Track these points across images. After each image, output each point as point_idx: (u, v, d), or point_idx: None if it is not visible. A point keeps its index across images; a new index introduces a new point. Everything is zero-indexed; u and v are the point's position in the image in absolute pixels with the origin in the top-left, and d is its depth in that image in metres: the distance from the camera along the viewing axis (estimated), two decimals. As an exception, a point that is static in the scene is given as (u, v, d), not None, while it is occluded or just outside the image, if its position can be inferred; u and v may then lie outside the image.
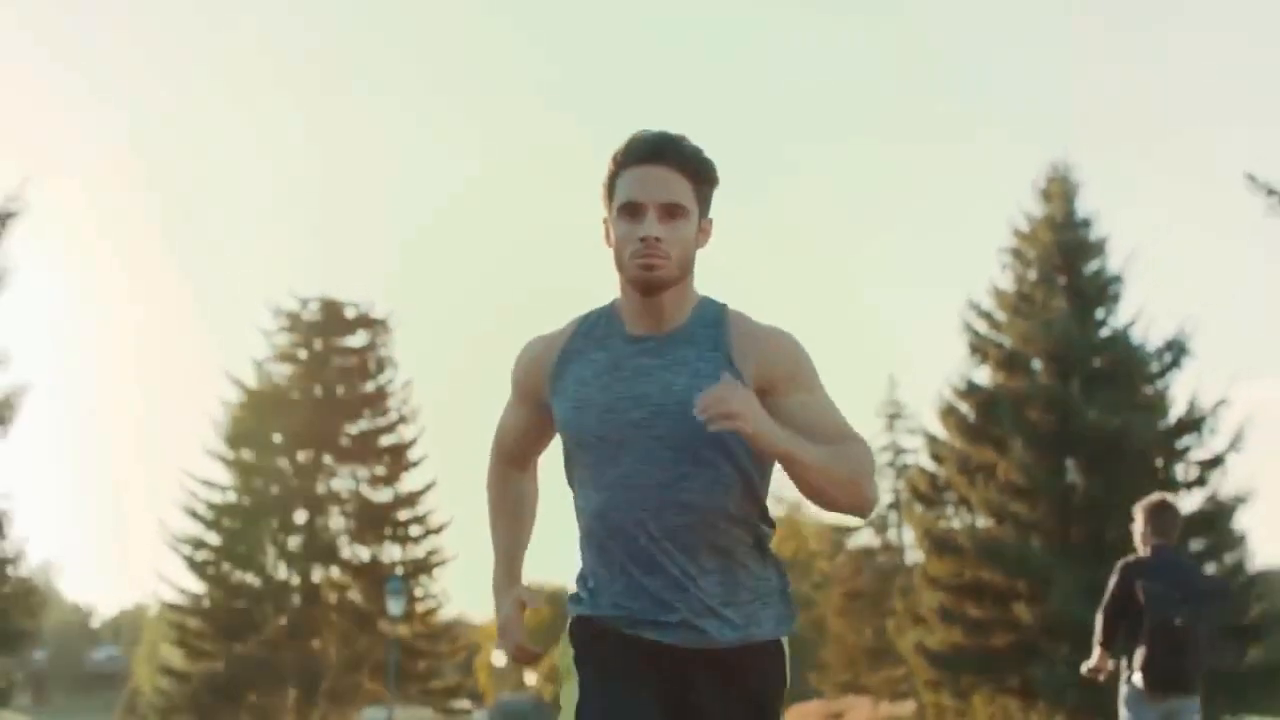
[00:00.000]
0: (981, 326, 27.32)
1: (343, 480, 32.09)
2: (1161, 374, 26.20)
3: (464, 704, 36.35)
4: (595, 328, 2.59)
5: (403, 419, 32.63)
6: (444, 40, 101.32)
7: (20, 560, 24.87)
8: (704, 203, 2.52)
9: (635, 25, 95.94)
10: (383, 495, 32.28)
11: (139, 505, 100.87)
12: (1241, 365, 59.41)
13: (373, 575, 30.85)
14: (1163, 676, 6.14)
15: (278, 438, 31.77)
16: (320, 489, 31.80)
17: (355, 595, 31.49)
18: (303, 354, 32.64)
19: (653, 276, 2.46)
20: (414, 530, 31.94)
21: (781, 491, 30.70)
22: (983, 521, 26.88)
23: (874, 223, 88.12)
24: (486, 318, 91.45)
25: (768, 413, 2.44)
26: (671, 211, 2.46)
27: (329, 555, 31.57)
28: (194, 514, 31.09)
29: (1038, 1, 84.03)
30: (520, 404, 2.71)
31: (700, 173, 2.50)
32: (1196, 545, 24.48)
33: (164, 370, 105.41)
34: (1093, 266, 26.86)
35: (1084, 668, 6.46)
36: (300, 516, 31.59)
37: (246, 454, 31.74)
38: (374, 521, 31.75)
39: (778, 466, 2.50)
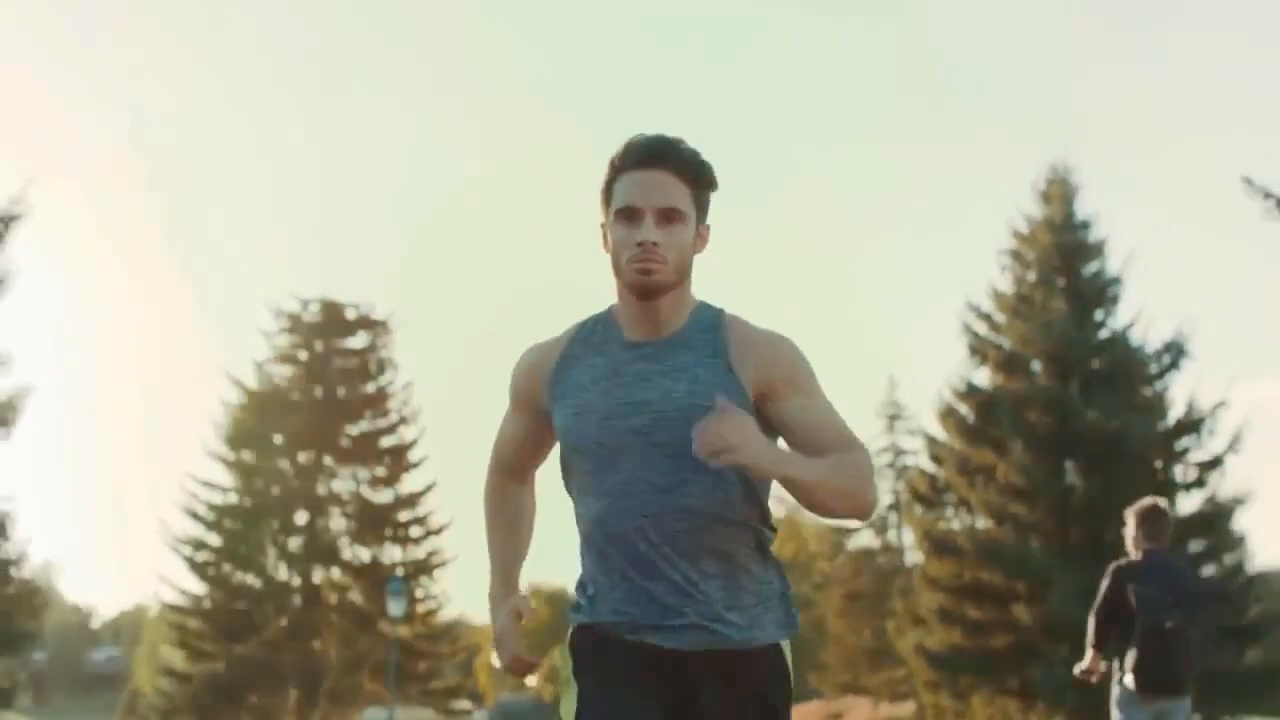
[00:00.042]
0: (981, 328, 27.34)
1: (343, 481, 32.14)
2: (1160, 375, 26.22)
3: (464, 705, 36.39)
4: (593, 334, 2.58)
5: (403, 420, 32.67)
6: (444, 40, 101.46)
7: (23, 562, 24.94)
8: (702, 207, 2.51)
9: (635, 25, 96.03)
10: (383, 496, 32.32)
11: (139, 506, 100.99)
12: (1241, 366, 59.33)
13: (373, 576, 30.89)
14: (1154, 678, 6.23)
15: (278, 439, 31.82)
16: (321, 490, 31.84)
17: (356, 596, 31.53)
18: (303, 355, 32.68)
19: (650, 281, 2.45)
20: (414, 531, 31.97)
21: (782, 493, 30.43)
22: (982, 523, 26.90)
23: (874, 223, 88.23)
24: (487, 318, 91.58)
25: (768, 416, 2.47)
26: (669, 216, 2.44)
27: (330, 556, 31.60)
28: (195, 515, 31.13)
29: (1038, 1, 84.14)
30: (518, 412, 2.69)
31: (698, 177, 2.49)
32: (1196, 546, 24.52)
33: (165, 371, 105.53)
34: (1092, 268, 26.88)
35: (1076, 669, 6.57)
36: (301, 517, 31.64)
37: (247, 455, 31.78)
38: (375, 522, 31.79)
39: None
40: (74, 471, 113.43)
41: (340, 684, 30.39)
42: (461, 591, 77.37)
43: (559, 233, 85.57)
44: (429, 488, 32.28)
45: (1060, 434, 25.23)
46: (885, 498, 40.84)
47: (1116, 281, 26.64)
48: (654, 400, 2.46)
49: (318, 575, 31.51)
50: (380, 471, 32.29)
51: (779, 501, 37.58)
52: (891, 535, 41.90)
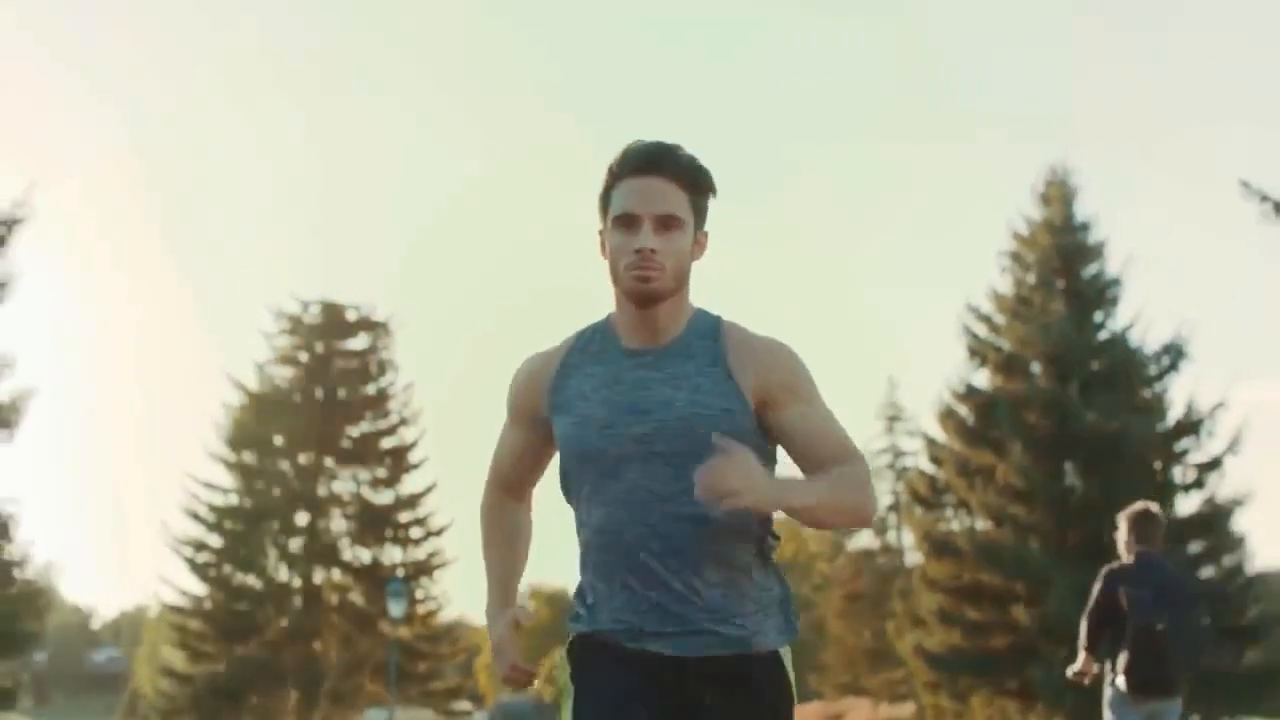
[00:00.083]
0: (980, 330, 27.38)
1: (344, 483, 32.19)
2: (1160, 377, 26.25)
3: (465, 705, 36.41)
4: (591, 342, 2.56)
5: (404, 421, 32.71)
6: (444, 40, 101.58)
7: (26, 563, 24.97)
8: (700, 214, 2.50)
9: (635, 25, 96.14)
10: (384, 497, 32.37)
11: (140, 507, 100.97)
12: (1240, 367, 59.32)
13: (374, 577, 30.93)
14: (1145, 680, 6.31)
15: (279, 440, 31.86)
16: (321, 491, 31.87)
17: (356, 597, 31.57)
18: (304, 357, 32.72)
19: (648, 288, 2.43)
20: (415, 532, 32.01)
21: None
22: (981, 524, 26.93)
23: (874, 223, 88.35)
24: (488, 319, 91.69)
25: (767, 424, 2.48)
26: (667, 223, 2.43)
27: (330, 557, 31.64)
28: (195, 516, 31.17)
29: (1038, 1, 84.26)
30: (517, 424, 2.66)
31: (696, 184, 2.47)
32: (1195, 547, 24.56)
33: (165, 373, 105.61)
34: (1091, 270, 26.92)
35: (1069, 671, 6.63)
36: (301, 519, 31.67)
37: (248, 456, 31.82)
38: (375, 524, 31.83)
39: (778, 466, 2.51)
40: (75, 472, 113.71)
41: (341, 685, 30.42)
42: (462, 592, 77.45)
43: (559, 233, 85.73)
44: (429, 489, 32.36)
45: (1059, 435, 25.26)
46: (885, 499, 40.86)
47: (1116, 283, 26.68)
48: (655, 409, 2.45)
49: (318, 576, 31.55)
50: (381, 473, 32.33)
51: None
52: (891, 536, 41.95)
